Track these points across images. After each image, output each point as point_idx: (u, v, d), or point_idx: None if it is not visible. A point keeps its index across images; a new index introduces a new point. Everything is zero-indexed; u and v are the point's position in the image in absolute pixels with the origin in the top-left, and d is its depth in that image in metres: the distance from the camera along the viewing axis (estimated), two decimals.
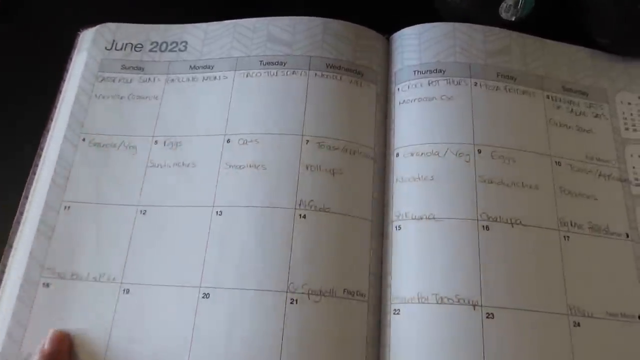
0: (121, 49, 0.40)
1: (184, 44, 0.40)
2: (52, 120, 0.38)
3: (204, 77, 0.38)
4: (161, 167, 0.35)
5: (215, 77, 0.38)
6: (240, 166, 0.34)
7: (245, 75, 0.37)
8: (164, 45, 0.40)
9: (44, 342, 0.31)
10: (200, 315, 0.31)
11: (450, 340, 0.29)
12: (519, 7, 0.36)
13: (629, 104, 0.37)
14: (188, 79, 0.38)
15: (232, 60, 0.38)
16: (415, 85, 0.36)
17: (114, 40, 0.40)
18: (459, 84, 0.36)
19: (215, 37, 0.39)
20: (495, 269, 0.31)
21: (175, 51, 0.39)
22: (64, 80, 0.40)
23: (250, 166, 0.34)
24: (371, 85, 0.37)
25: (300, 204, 0.33)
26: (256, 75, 0.37)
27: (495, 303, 0.30)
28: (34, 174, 0.36)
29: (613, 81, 0.38)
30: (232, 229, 0.33)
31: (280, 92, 0.36)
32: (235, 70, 0.38)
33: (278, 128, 0.35)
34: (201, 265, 0.32)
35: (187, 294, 0.31)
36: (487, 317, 0.29)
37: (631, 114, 0.37)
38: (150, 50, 0.40)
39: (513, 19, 0.37)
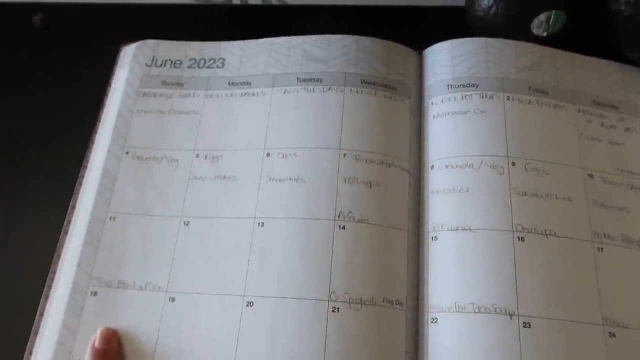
0: (161, 65, 0.41)
1: (221, 60, 0.41)
2: (96, 133, 0.40)
3: (242, 93, 0.39)
4: (203, 179, 0.36)
5: (253, 94, 0.39)
6: (280, 179, 0.35)
7: (283, 92, 0.39)
8: (202, 62, 0.41)
9: (94, 340, 0.32)
10: (244, 323, 0.32)
11: (487, 348, 0.30)
12: (550, 22, 0.37)
13: None
14: (227, 95, 0.40)
15: (270, 77, 0.40)
16: (449, 99, 0.37)
17: (154, 57, 0.42)
18: (492, 97, 0.36)
19: (252, 55, 0.41)
20: (531, 279, 0.31)
21: (213, 68, 0.41)
22: (107, 95, 0.41)
23: (290, 179, 0.35)
24: (405, 99, 0.38)
25: (339, 216, 0.34)
26: (294, 91, 0.38)
27: (532, 312, 0.30)
28: (80, 185, 0.38)
29: None
30: (273, 240, 0.34)
31: (317, 108, 0.38)
32: (273, 87, 0.39)
33: (316, 142, 0.36)
34: (244, 275, 0.33)
35: (231, 303, 0.32)
36: (523, 327, 0.30)
37: None
38: (189, 67, 0.41)
39: (545, 34, 0.38)
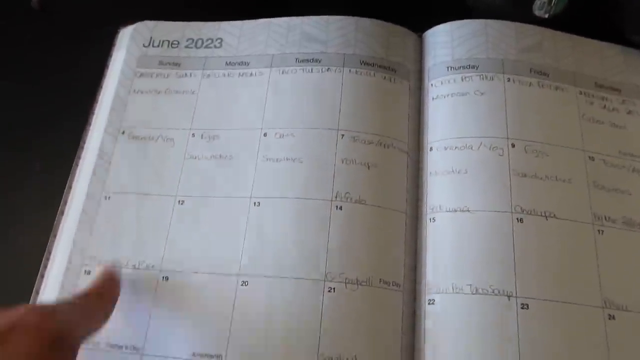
0: (158, 45, 0.41)
1: (219, 40, 0.41)
2: (93, 114, 0.39)
3: (240, 73, 0.39)
4: (199, 159, 0.36)
5: (251, 74, 0.39)
6: (277, 159, 0.35)
7: (281, 72, 0.38)
8: (200, 42, 0.41)
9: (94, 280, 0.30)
10: (239, 303, 0.31)
11: (484, 330, 0.29)
12: (552, 4, 0.37)
13: None
14: (224, 75, 0.39)
15: (268, 57, 0.39)
16: (449, 81, 0.37)
17: (151, 38, 0.41)
18: (492, 79, 0.36)
19: (251, 35, 0.40)
20: (530, 261, 0.31)
21: (210, 47, 0.40)
22: (105, 77, 0.41)
23: (286, 159, 0.35)
24: (404, 81, 0.38)
25: (336, 196, 0.33)
26: (292, 71, 0.38)
27: (530, 294, 0.30)
28: (77, 165, 0.38)
29: None
30: (269, 219, 0.33)
31: (316, 88, 0.37)
32: (271, 67, 0.39)
33: (313, 122, 0.36)
34: (240, 254, 0.33)
35: (226, 282, 0.32)
36: (521, 308, 0.30)
37: None
38: (187, 47, 0.41)
39: (546, 16, 0.37)
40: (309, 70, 0.38)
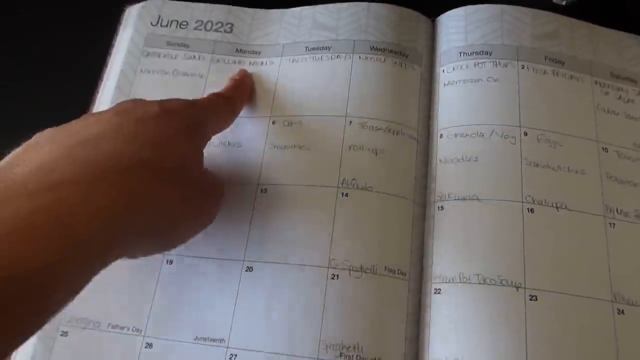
0: (166, 25, 0.40)
1: (229, 25, 0.40)
2: (98, 93, 0.39)
3: (250, 62, 0.38)
4: (207, 145, 0.35)
5: (262, 63, 0.38)
6: (284, 146, 0.35)
7: (291, 61, 0.38)
8: (209, 24, 0.40)
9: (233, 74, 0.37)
10: (243, 288, 0.31)
11: (492, 320, 0.29)
12: None
13: None
14: (234, 62, 0.39)
15: (279, 47, 0.39)
16: (461, 67, 0.36)
17: (159, 16, 0.41)
18: (506, 66, 0.35)
19: (263, 24, 0.40)
20: (540, 252, 0.30)
21: (220, 32, 0.40)
22: (110, 55, 0.40)
23: (294, 146, 0.34)
24: (415, 66, 0.37)
25: (342, 183, 0.33)
26: (302, 60, 0.37)
27: (539, 285, 0.29)
28: None
29: None
30: (276, 206, 0.33)
31: (325, 75, 0.36)
32: (282, 57, 0.38)
33: (322, 110, 0.35)
34: (245, 240, 0.32)
35: (230, 267, 0.32)
36: (530, 299, 0.29)
37: None
38: (195, 29, 0.40)
39: (564, 3, 0.36)
40: (318, 58, 0.37)
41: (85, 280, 0.22)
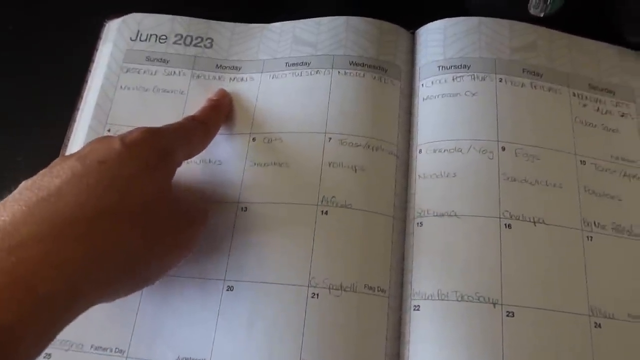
0: (145, 39, 0.40)
1: (209, 40, 0.40)
2: (78, 110, 0.39)
3: (230, 78, 0.38)
4: (187, 163, 0.35)
5: (242, 79, 0.38)
6: (264, 164, 0.35)
7: (271, 77, 0.38)
8: (189, 39, 0.40)
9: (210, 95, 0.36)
10: (224, 308, 0.31)
11: (469, 337, 0.29)
12: (548, 2, 0.36)
13: None
14: (215, 77, 0.38)
15: (260, 62, 0.39)
16: (440, 81, 0.36)
17: (138, 31, 0.40)
18: (484, 79, 0.35)
19: (243, 39, 0.40)
20: (517, 267, 0.31)
21: (200, 47, 0.40)
22: (90, 71, 0.40)
23: (274, 164, 0.35)
24: (395, 81, 0.37)
25: (322, 201, 0.33)
26: (282, 76, 0.37)
27: (516, 302, 0.30)
28: None
29: None
30: (256, 225, 0.33)
31: (304, 92, 0.37)
32: (262, 73, 0.38)
33: (301, 126, 0.35)
34: (226, 259, 0.32)
35: (211, 287, 0.32)
36: (507, 316, 0.29)
37: None
38: (175, 43, 0.40)
39: (542, 14, 0.36)
40: (298, 74, 0.37)
41: (54, 333, 0.23)
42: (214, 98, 0.36)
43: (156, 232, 0.27)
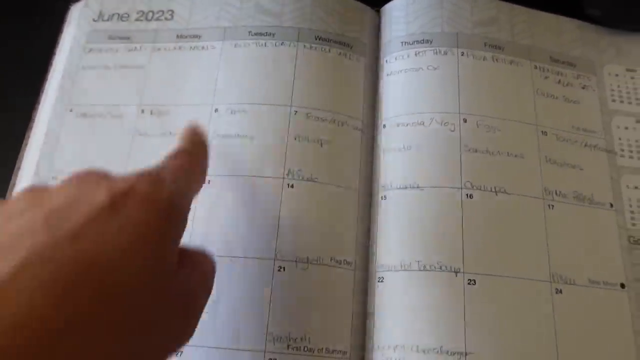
0: (108, 19, 0.40)
1: (170, 12, 0.39)
2: (43, 93, 0.38)
3: (191, 47, 0.38)
4: (148, 136, 0.35)
5: (203, 47, 0.38)
6: (228, 135, 0.34)
7: (234, 46, 0.37)
8: (150, 14, 0.40)
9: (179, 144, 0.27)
10: None
11: (431, 305, 0.29)
12: None
13: (617, 75, 0.37)
14: (175, 48, 0.38)
15: (220, 30, 0.38)
16: (403, 57, 0.36)
17: (101, 11, 0.40)
18: (446, 54, 0.35)
19: (203, 7, 0.39)
20: (478, 236, 0.31)
21: (161, 20, 0.39)
22: (55, 55, 0.40)
23: (238, 136, 0.34)
24: (360, 57, 0.37)
25: (288, 174, 0.33)
26: (245, 45, 0.37)
27: (478, 270, 0.30)
28: (26, 145, 0.37)
29: (601, 53, 0.38)
30: (220, 197, 0.33)
31: (269, 63, 0.36)
32: (224, 40, 0.38)
33: (266, 99, 0.35)
34: (189, 233, 0.32)
35: None
36: (468, 284, 0.30)
37: (618, 86, 0.37)
38: (137, 20, 0.39)
39: None
40: (262, 44, 0.37)
41: None
42: (188, 130, 0.28)
43: (144, 322, 0.19)
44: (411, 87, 0.35)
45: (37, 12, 0.43)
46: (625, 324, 0.30)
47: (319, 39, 0.37)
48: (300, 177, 0.33)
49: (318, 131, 0.34)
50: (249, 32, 0.37)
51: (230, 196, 0.33)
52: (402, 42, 0.36)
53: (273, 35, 0.37)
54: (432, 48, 0.36)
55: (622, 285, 0.31)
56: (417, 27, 0.37)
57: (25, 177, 0.35)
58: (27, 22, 0.43)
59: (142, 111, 0.36)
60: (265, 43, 0.37)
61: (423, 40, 0.36)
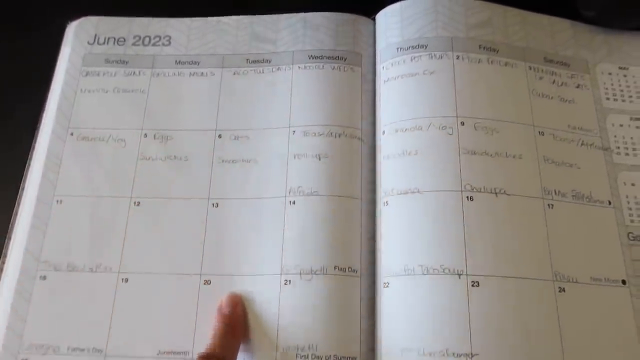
0: (104, 43, 0.40)
1: (167, 38, 0.40)
2: (44, 114, 0.38)
3: (190, 73, 0.39)
4: (152, 160, 0.36)
5: (202, 73, 0.39)
6: (232, 161, 0.36)
7: (233, 73, 0.38)
8: (147, 39, 0.40)
9: (221, 304, 0.32)
10: (203, 300, 0.32)
11: (436, 309, 0.30)
12: None
13: (610, 74, 0.38)
14: (174, 74, 0.39)
15: (219, 57, 0.39)
16: (398, 63, 0.36)
17: (96, 35, 0.40)
18: (441, 58, 0.36)
19: (200, 34, 0.40)
20: (480, 238, 0.31)
21: (159, 45, 0.40)
22: (53, 75, 0.40)
23: (242, 160, 0.36)
24: (355, 67, 0.38)
25: (289, 192, 0.34)
26: (243, 73, 0.38)
27: (480, 271, 0.30)
28: (29, 167, 0.37)
29: (594, 52, 0.38)
30: (227, 220, 0.34)
31: (267, 88, 0.38)
32: (223, 68, 0.38)
33: (266, 123, 0.36)
34: (200, 254, 0.33)
35: (188, 281, 0.33)
36: (472, 285, 0.30)
37: (612, 84, 0.37)
38: (134, 44, 0.40)
39: None
40: (260, 71, 0.38)
41: None
42: (225, 303, 0.32)
43: None
44: (408, 93, 0.35)
45: (39, 28, 0.43)
46: (628, 319, 0.31)
47: (312, 58, 0.38)
48: (301, 193, 0.34)
49: (315, 146, 0.35)
50: (247, 59, 0.39)
51: (236, 218, 0.34)
52: (397, 48, 0.37)
53: (269, 61, 0.38)
54: (428, 53, 0.36)
55: (624, 282, 0.32)
56: (412, 32, 0.37)
57: (28, 201, 0.35)
58: (29, 37, 0.43)
59: (146, 135, 0.37)
60: (262, 70, 0.38)
61: (418, 45, 0.36)
